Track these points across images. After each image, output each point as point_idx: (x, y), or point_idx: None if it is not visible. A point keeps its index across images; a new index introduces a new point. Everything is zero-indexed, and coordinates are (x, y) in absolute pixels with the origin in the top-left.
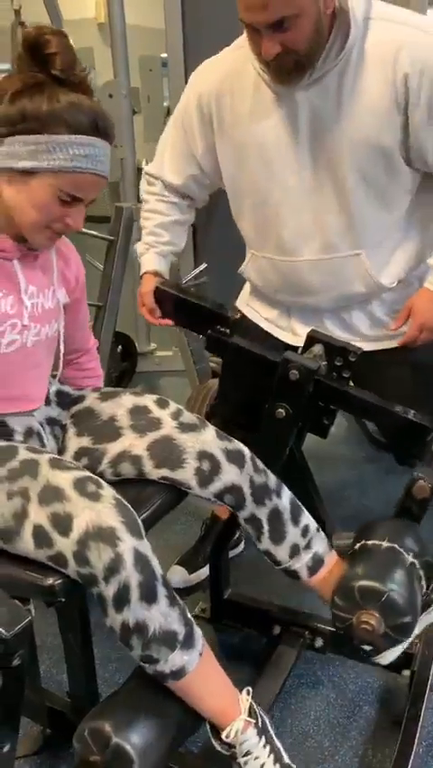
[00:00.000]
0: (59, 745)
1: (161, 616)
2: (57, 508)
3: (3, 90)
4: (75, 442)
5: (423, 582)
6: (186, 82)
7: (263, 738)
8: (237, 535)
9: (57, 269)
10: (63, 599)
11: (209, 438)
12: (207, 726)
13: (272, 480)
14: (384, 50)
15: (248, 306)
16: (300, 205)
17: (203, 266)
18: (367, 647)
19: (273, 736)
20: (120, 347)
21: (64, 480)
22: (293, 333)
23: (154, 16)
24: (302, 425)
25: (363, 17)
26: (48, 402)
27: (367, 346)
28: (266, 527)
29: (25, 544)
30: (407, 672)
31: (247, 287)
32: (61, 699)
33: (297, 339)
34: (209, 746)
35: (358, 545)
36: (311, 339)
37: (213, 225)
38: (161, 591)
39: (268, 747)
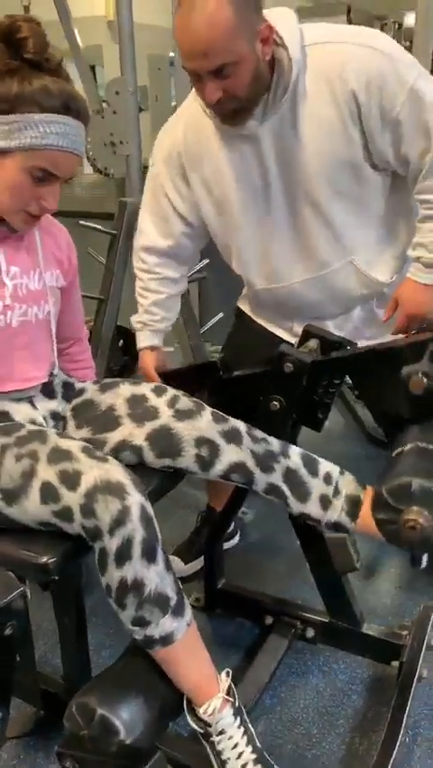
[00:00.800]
0: (51, 727)
1: (158, 577)
2: (65, 466)
3: None
4: (75, 434)
5: None
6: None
7: (238, 719)
8: (232, 528)
9: (44, 251)
10: (56, 577)
11: (205, 424)
12: (185, 702)
13: (275, 443)
14: (328, 71)
15: (249, 305)
16: (284, 235)
17: (205, 261)
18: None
19: (247, 720)
20: (121, 341)
21: (72, 444)
22: (294, 334)
23: (164, 15)
24: (297, 418)
25: (300, 47)
26: (53, 395)
27: (369, 343)
28: (286, 490)
29: (31, 502)
30: (396, 663)
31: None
32: (56, 681)
33: (294, 338)
34: None
35: (408, 447)
36: (307, 334)
37: None
38: (160, 554)
39: (242, 729)
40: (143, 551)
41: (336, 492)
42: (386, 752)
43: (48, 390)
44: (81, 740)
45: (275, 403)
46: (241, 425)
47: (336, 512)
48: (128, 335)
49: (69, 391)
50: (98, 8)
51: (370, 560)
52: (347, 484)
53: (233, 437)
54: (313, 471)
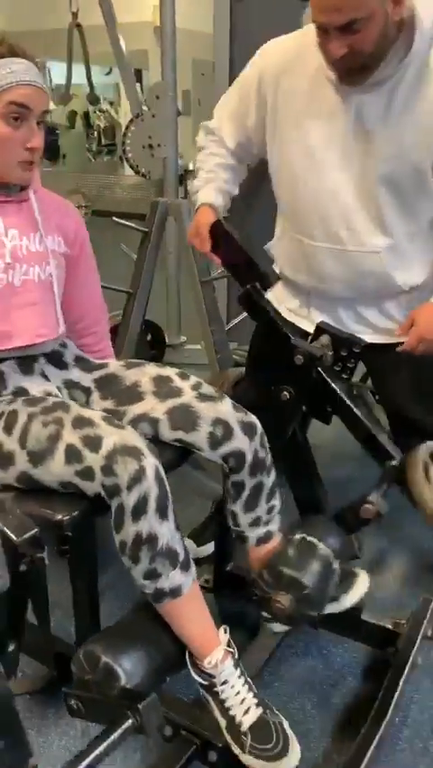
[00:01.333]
0: (62, 687)
1: (169, 533)
2: (88, 432)
3: None
4: (99, 404)
5: (336, 580)
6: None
7: (239, 670)
8: None
9: (44, 218)
10: (70, 534)
11: (226, 408)
12: (187, 658)
13: (269, 459)
14: None
15: (272, 292)
16: (332, 197)
17: None
18: (269, 617)
19: (245, 672)
20: (149, 335)
21: (93, 414)
22: (311, 321)
23: (209, 21)
24: (307, 411)
25: (432, 31)
26: (65, 366)
27: (379, 339)
28: (245, 495)
29: (56, 462)
30: (391, 650)
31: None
32: (68, 645)
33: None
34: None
35: (297, 536)
36: (319, 330)
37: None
38: (171, 513)
39: (243, 678)
40: (157, 507)
41: (266, 523)
42: (374, 728)
43: (57, 360)
44: (86, 684)
45: (285, 393)
46: (258, 426)
47: (254, 533)
48: (155, 330)
49: (85, 363)
50: (145, 14)
51: (376, 554)
52: (276, 524)
53: (248, 430)
54: (269, 499)
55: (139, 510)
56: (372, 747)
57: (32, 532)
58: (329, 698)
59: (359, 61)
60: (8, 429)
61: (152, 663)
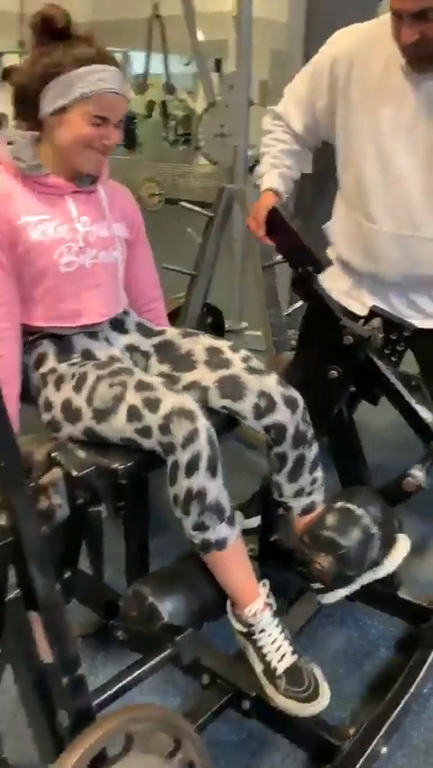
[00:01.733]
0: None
1: (217, 489)
2: (148, 394)
3: (28, 63)
4: (156, 368)
5: (377, 548)
6: None
7: (277, 620)
8: None
9: (111, 207)
10: (124, 481)
11: (271, 382)
12: (228, 607)
13: (311, 433)
14: None
15: (324, 273)
16: (396, 182)
17: None
18: (315, 585)
19: (284, 623)
20: (210, 318)
21: (154, 379)
22: (362, 303)
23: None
24: (354, 392)
25: None
26: (126, 332)
27: (429, 324)
28: (289, 466)
29: (118, 420)
30: (425, 626)
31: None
32: (119, 594)
33: (365, 309)
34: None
35: (338, 504)
36: (372, 313)
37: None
38: (220, 472)
39: (280, 627)
40: (208, 465)
41: (310, 494)
42: (400, 693)
43: (119, 326)
44: (132, 619)
45: (333, 372)
46: (301, 400)
47: (298, 503)
48: (216, 314)
49: (145, 330)
50: (227, 3)
51: (418, 534)
52: (319, 494)
53: (291, 404)
54: (312, 471)
55: (191, 467)
56: (397, 710)
57: (90, 468)
58: (360, 665)
59: (430, 49)
60: (78, 388)
61: (192, 607)
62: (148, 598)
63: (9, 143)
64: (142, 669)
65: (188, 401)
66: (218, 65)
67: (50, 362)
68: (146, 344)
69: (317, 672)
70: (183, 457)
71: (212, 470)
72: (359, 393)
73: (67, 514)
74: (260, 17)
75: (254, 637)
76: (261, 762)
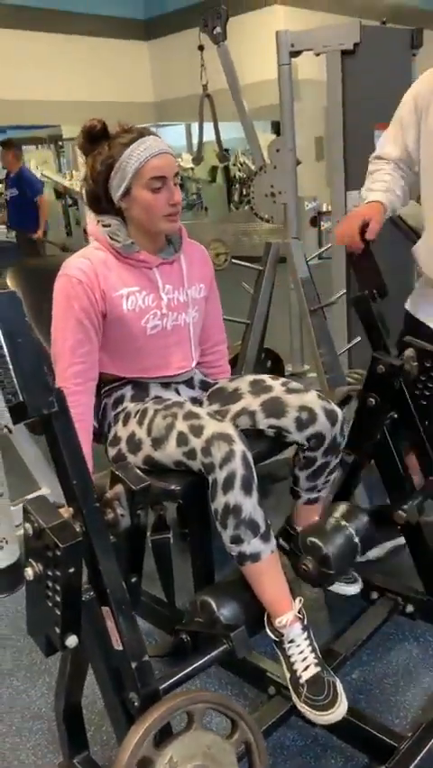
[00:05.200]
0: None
1: (252, 507)
2: (194, 422)
3: (89, 168)
4: (208, 408)
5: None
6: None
7: (306, 633)
8: None
9: (189, 270)
10: (182, 500)
11: (311, 397)
12: (265, 617)
13: (342, 444)
14: None
15: (413, 304)
16: None
17: (343, 292)
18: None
19: (313, 638)
20: (269, 362)
21: (201, 410)
22: None
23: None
24: (397, 419)
25: None
26: (193, 386)
27: None
28: (313, 468)
29: (170, 446)
30: None
31: (415, 290)
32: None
33: None
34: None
35: (330, 516)
36: (404, 344)
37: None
38: (255, 490)
39: (308, 641)
40: (242, 484)
41: (319, 490)
42: None
43: (189, 382)
44: (195, 624)
45: (371, 400)
46: (340, 414)
47: (306, 495)
48: (275, 358)
49: (206, 385)
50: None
51: None
52: (327, 491)
53: (331, 416)
54: (328, 475)
55: (228, 484)
56: None
57: (146, 483)
58: (421, 678)
59: None
60: (140, 422)
61: (243, 615)
62: (211, 605)
63: (105, 225)
64: (203, 660)
65: (228, 427)
66: (277, 127)
67: (125, 403)
68: (203, 396)
69: (338, 686)
70: (221, 475)
71: (246, 488)
72: (401, 420)
73: (129, 523)
74: (310, 78)
75: (284, 646)
76: (324, 765)
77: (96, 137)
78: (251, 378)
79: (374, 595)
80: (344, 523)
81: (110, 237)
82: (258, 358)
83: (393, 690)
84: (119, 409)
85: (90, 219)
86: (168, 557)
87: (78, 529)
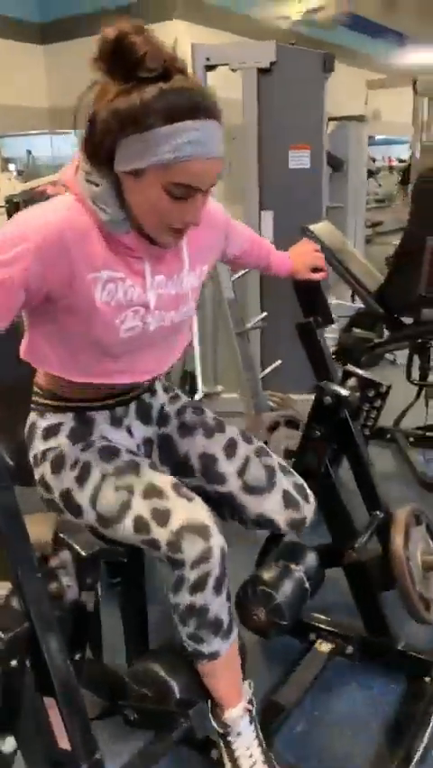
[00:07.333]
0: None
1: (219, 605)
2: (157, 504)
3: (101, 101)
4: (158, 467)
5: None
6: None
7: (254, 725)
8: None
9: (191, 247)
10: (125, 560)
11: (271, 505)
12: (209, 705)
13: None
14: None
15: None
16: None
17: (264, 314)
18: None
19: (258, 727)
20: (187, 385)
21: (164, 482)
22: None
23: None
24: (338, 448)
25: None
26: (150, 419)
27: None
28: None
29: (125, 529)
30: (428, 679)
31: None
32: (118, 674)
33: None
34: None
35: (275, 562)
36: (347, 373)
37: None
38: (226, 585)
39: (255, 733)
40: (215, 585)
41: None
42: (409, 754)
43: (145, 413)
44: (142, 697)
45: (317, 432)
46: (310, 514)
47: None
48: (192, 379)
49: (163, 418)
50: None
51: None
52: None
53: (294, 525)
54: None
55: (198, 586)
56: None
57: (97, 549)
58: (368, 724)
59: None
60: (80, 481)
61: (198, 688)
62: (159, 673)
63: (90, 182)
64: (161, 744)
65: (201, 512)
66: None
67: (60, 438)
68: (156, 433)
69: None
70: (191, 575)
71: (218, 588)
72: (341, 450)
73: (76, 595)
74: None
75: (229, 739)
76: None
77: (130, 64)
78: (200, 446)
79: (312, 636)
80: (293, 566)
81: (93, 202)
82: (182, 381)
83: (340, 743)
84: (50, 444)
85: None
86: (96, 614)
87: (16, 606)
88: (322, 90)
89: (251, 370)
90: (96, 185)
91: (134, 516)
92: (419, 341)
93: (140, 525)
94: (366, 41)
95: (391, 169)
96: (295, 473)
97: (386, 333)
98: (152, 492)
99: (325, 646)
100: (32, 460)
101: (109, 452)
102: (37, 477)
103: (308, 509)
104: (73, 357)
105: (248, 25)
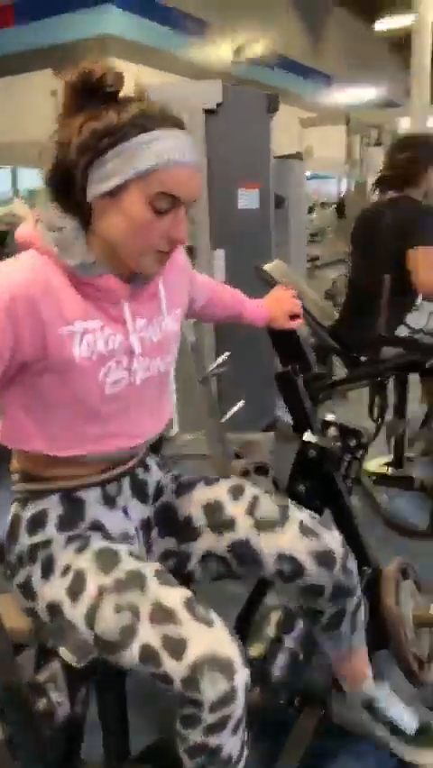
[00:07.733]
0: None
1: (233, 743)
2: (169, 630)
3: (69, 129)
4: (160, 544)
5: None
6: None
7: None
8: None
9: (167, 290)
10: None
11: (289, 539)
12: None
13: (354, 581)
14: None
15: None
16: None
17: (226, 354)
18: None
19: None
20: None
21: (175, 600)
22: None
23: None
24: (321, 501)
25: None
26: (147, 496)
27: None
28: (324, 621)
29: (130, 659)
30: None
31: None
32: None
33: None
34: None
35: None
36: (326, 423)
37: None
38: (245, 721)
39: None
40: (234, 726)
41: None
42: None
43: (141, 491)
44: None
45: (302, 487)
46: (338, 549)
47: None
48: None
49: (159, 491)
50: None
51: None
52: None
53: (324, 561)
54: (353, 617)
55: (215, 729)
56: None
57: (93, 656)
58: None
59: None
60: (73, 594)
61: None
62: None
63: (52, 230)
64: None
65: (224, 641)
66: None
67: (48, 530)
68: (153, 510)
69: None
70: (208, 718)
71: (236, 729)
72: (324, 505)
73: (68, 711)
74: None
75: None
76: None
77: (92, 90)
78: (203, 497)
79: (297, 702)
80: (285, 638)
81: (59, 249)
82: None
83: None
84: (37, 539)
85: (27, 215)
86: (81, 734)
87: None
88: (268, 130)
89: (215, 415)
90: (58, 229)
91: (141, 644)
92: (378, 379)
93: (148, 655)
94: (297, 80)
95: (323, 204)
96: (310, 510)
97: (342, 369)
98: (162, 615)
99: (312, 714)
100: (14, 558)
101: (107, 558)
102: (20, 580)
103: (332, 540)
104: (59, 426)
105: (184, 66)
